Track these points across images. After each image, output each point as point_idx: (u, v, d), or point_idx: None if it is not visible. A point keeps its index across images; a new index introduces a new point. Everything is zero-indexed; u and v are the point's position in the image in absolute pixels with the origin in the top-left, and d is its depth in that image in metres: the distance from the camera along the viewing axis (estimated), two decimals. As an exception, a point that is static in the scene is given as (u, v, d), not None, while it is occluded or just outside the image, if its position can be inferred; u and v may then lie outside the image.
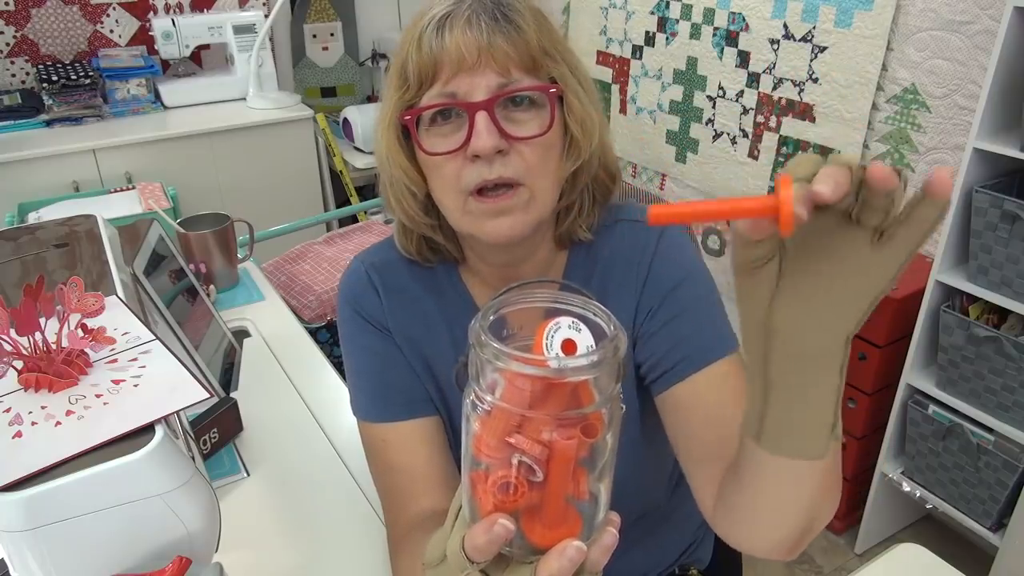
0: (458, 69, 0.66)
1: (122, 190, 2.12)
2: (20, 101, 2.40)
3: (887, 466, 1.82)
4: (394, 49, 0.72)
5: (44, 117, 2.40)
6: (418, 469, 0.77)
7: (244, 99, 2.66)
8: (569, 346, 0.40)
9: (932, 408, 1.68)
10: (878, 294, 0.43)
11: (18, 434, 0.51)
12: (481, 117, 0.66)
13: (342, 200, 2.88)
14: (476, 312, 0.83)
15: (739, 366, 0.73)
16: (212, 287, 1.38)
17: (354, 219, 2.63)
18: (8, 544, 0.48)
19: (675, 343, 0.73)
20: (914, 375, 1.70)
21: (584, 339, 0.41)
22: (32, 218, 1.80)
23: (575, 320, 0.41)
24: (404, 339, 0.81)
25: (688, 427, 0.72)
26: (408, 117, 0.69)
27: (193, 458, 0.57)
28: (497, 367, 0.39)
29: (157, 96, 2.59)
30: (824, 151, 2.06)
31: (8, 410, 0.54)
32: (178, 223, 1.39)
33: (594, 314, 0.43)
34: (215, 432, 0.98)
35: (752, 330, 0.47)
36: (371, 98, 3.14)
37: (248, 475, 0.97)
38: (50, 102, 2.38)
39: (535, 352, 0.40)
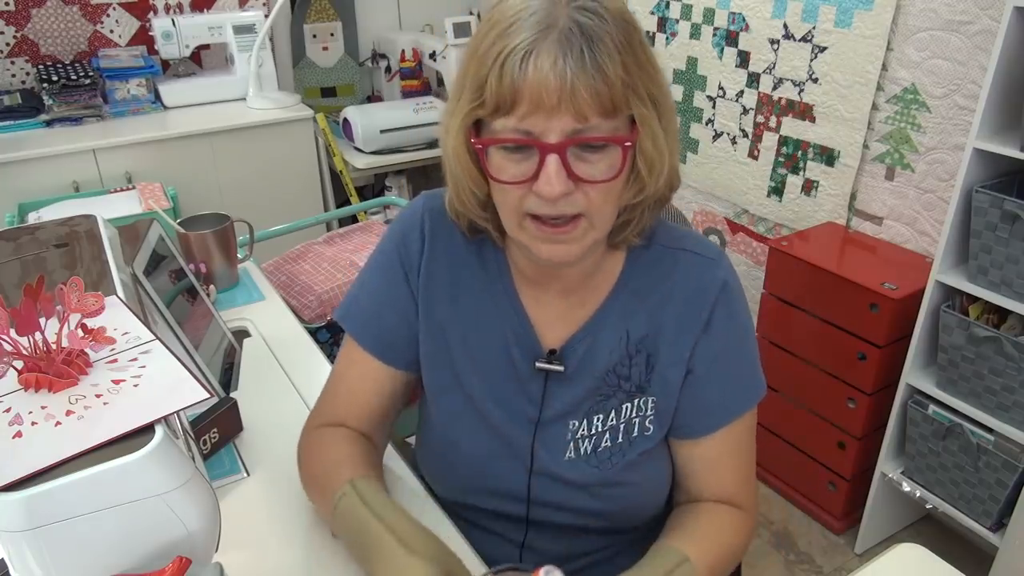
0: (536, 108, 0.65)
1: (122, 190, 2.12)
2: (20, 101, 2.40)
3: (887, 466, 1.82)
4: (468, 50, 0.70)
5: (44, 117, 2.39)
6: (360, 396, 0.89)
7: (244, 99, 2.66)
8: None
9: (932, 408, 1.68)
10: None
11: (18, 434, 0.51)
12: (552, 160, 0.66)
13: (342, 200, 2.88)
14: (511, 295, 0.86)
15: (753, 413, 0.85)
16: (212, 287, 1.38)
17: (354, 219, 2.63)
18: (8, 544, 0.48)
19: (709, 401, 0.83)
20: (914, 375, 1.70)
21: None
22: (32, 218, 1.80)
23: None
24: (426, 291, 0.85)
25: (688, 476, 0.86)
26: (480, 147, 0.70)
27: (193, 458, 0.57)
28: None
29: (157, 96, 2.59)
30: (824, 151, 2.06)
31: (8, 410, 0.54)
32: (178, 223, 1.39)
33: None
34: (215, 432, 0.98)
35: None
36: (371, 98, 3.13)
37: (248, 475, 0.97)
38: (50, 102, 2.38)
39: None
